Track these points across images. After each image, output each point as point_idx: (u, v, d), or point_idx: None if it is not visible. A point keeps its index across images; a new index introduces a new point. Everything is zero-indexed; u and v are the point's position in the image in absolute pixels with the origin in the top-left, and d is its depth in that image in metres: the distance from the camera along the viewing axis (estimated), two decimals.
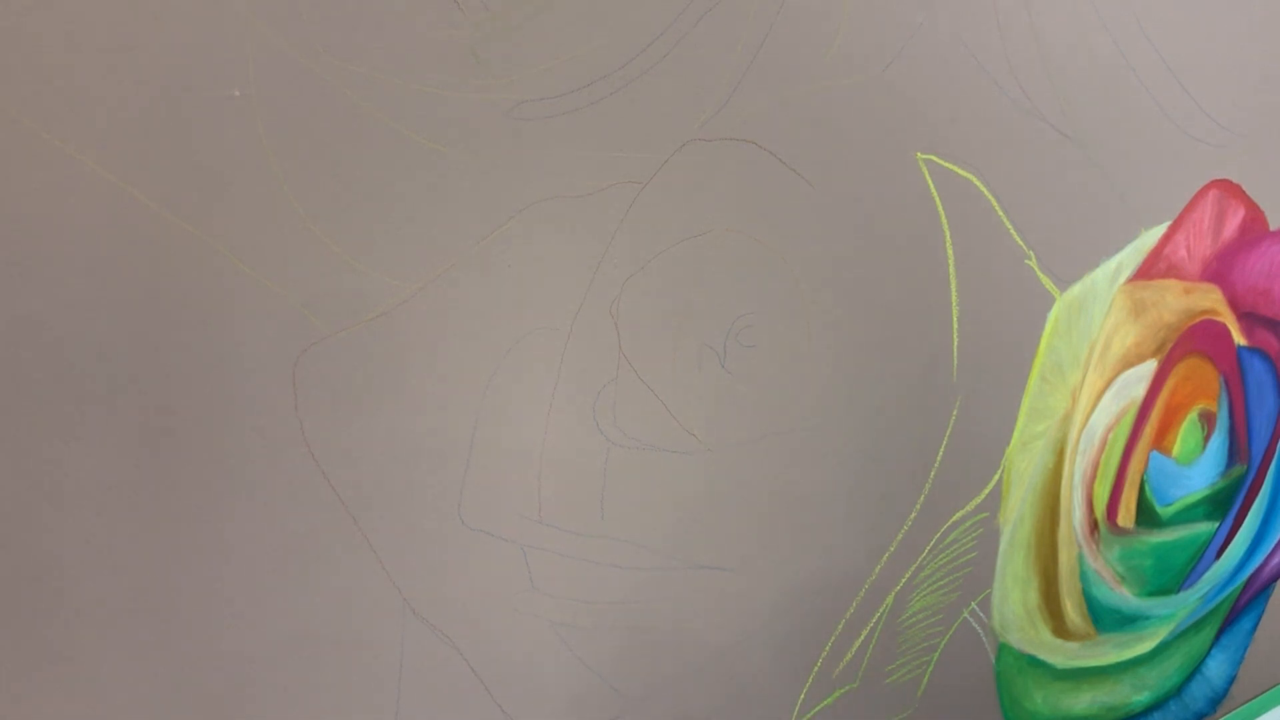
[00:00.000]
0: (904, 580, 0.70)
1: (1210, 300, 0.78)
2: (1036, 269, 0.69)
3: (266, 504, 0.47)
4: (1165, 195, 0.74)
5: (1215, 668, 0.94)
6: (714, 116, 0.53)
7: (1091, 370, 0.74)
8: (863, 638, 0.69)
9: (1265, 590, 0.94)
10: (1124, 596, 0.82)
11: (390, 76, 0.45)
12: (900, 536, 0.68)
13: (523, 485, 0.53)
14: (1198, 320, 0.78)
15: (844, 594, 0.67)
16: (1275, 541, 0.91)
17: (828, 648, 0.68)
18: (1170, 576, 0.85)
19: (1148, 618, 0.84)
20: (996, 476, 0.72)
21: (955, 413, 0.68)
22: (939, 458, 0.68)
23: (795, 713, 0.68)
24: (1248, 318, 0.81)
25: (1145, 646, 0.86)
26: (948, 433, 0.68)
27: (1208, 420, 0.83)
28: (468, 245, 0.49)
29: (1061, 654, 0.81)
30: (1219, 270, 0.78)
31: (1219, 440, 0.84)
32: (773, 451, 0.61)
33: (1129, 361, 0.75)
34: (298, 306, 0.45)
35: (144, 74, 0.40)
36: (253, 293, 0.44)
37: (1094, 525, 0.78)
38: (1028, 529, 0.75)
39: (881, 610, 0.69)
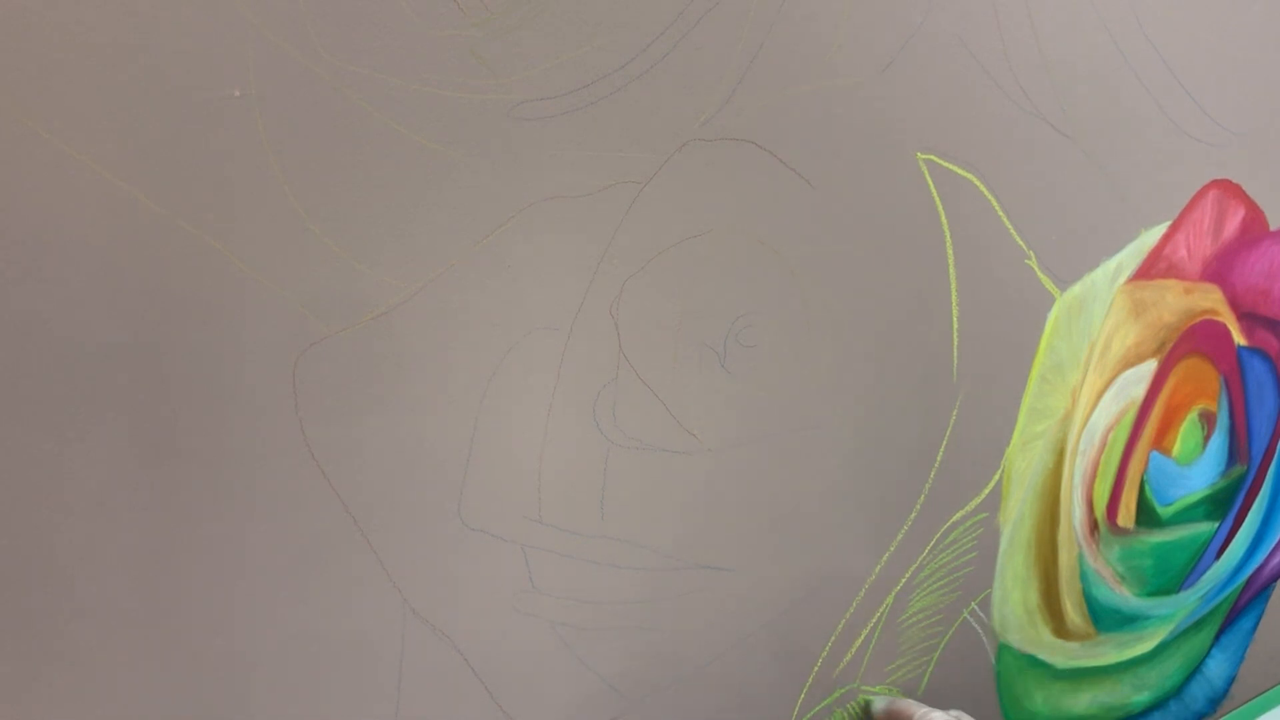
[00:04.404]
0: (904, 580, 0.70)
1: (1210, 300, 0.78)
2: (1036, 269, 0.69)
3: (266, 504, 0.47)
4: (1165, 195, 0.74)
5: (1215, 668, 0.94)
6: (714, 116, 0.53)
7: (1091, 370, 0.74)
8: (863, 638, 0.69)
9: (1265, 590, 0.94)
10: (1124, 596, 0.82)
11: (390, 76, 0.45)
12: (900, 536, 0.68)
13: (523, 485, 0.53)
14: (1198, 320, 0.78)
15: (844, 594, 0.67)
16: (1275, 541, 0.91)
17: (828, 648, 0.68)
18: (1170, 576, 0.85)
19: (1148, 618, 0.84)
20: (996, 476, 0.72)
21: (955, 413, 0.68)
22: (939, 458, 0.68)
23: (795, 713, 0.68)
24: (1248, 318, 0.81)
25: (1145, 646, 0.86)
26: (948, 433, 0.68)
27: (1208, 420, 0.83)
28: (468, 245, 0.49)
29: (1061, 654, 0.81)
30: (1219, 270, 0.78)
31: (1219, 440, 0.84)
32: (773, 451, 0.61)
33: (1129, 361, 0.75)
34: (298, 306, 0.45)
35: (144, 74, 0.40)
36: (253, 293, 0.44)
37: (1094, 525, 0.78)
38: (1028, 529, 0.75)
39: (881, 610, 0.69)
